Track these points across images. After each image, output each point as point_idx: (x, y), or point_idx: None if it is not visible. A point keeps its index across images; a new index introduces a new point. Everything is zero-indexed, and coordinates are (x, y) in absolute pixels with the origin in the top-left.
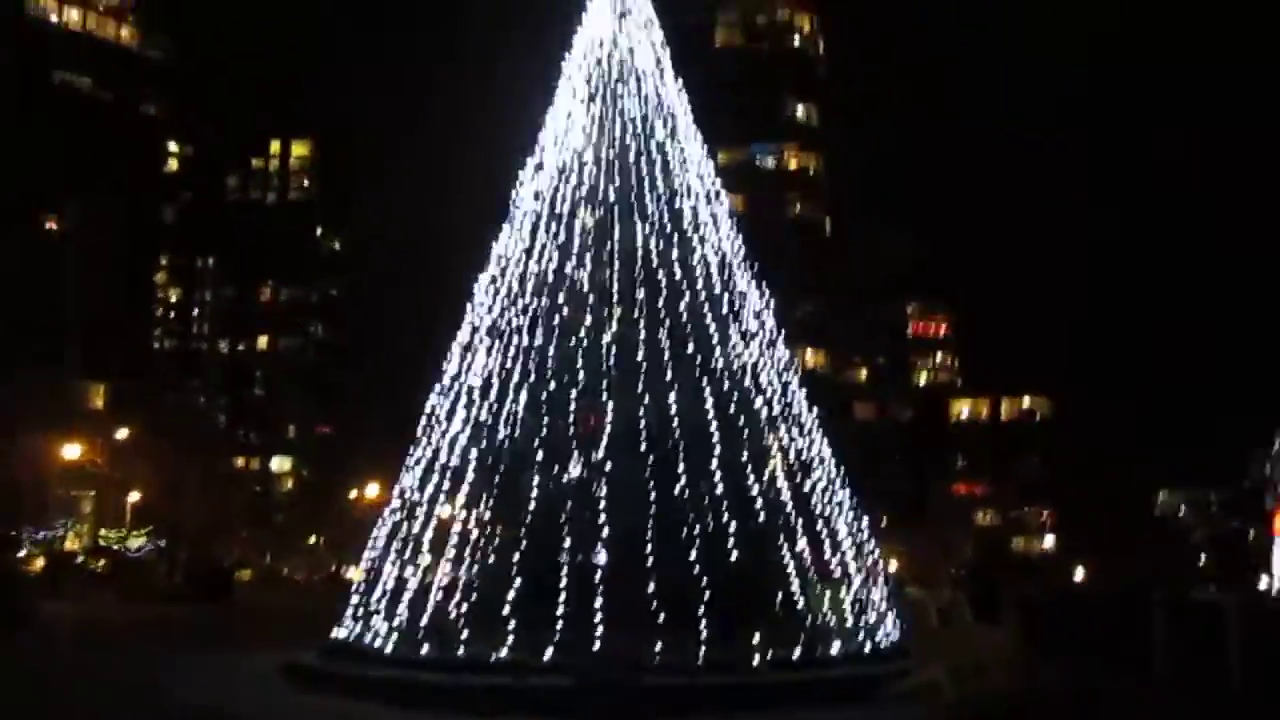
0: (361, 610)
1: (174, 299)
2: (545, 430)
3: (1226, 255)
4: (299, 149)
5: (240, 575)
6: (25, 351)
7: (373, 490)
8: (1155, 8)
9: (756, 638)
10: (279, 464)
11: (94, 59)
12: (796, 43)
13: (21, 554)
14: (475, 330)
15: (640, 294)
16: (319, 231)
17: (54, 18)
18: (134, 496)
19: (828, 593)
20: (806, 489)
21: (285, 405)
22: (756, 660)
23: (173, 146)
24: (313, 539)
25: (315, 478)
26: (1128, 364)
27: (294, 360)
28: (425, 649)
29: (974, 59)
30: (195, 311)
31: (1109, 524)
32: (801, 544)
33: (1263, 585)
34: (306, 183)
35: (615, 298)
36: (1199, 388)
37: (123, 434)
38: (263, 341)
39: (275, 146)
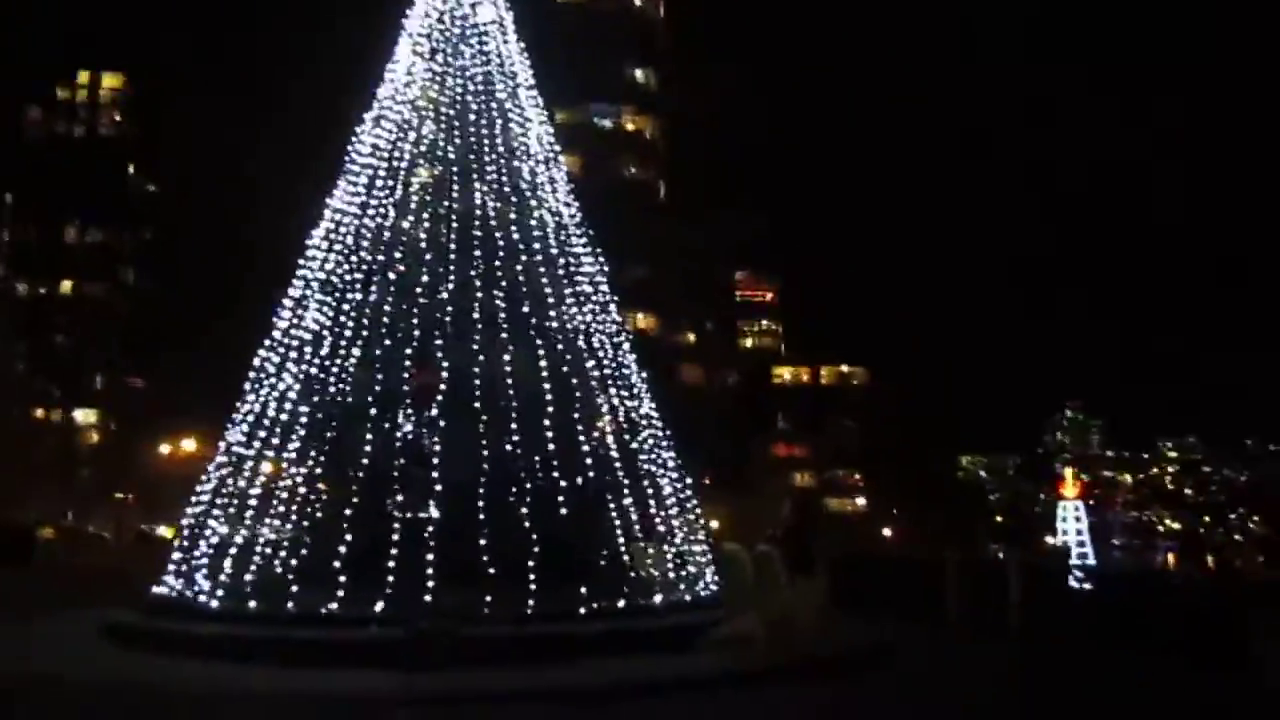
0: (185, 566)
1: None
2: (378, 386)
3: (1032, 230)
4: (110, 81)
5: (41, 534)
6: None
7: (188, 445)
8: None
9: (583, 590)
10: (83, 416)
11: None
12: (638, 3)
13: None
14: (308, 284)
15: (477, 253)
16: (131, 170)
17: None
18: None
19: (651, 548)
20: (634, 448)
21: (91, 354)
22: (582, 611)
23: None
24: (120, 496)
25: (123, 431)
26: (939, 336)
27: (102, 307)
28: (252, 604)
29: (814, 31)
30: None
31: (915, 486)
32: (628, 501)
33: (1051, 543)
34: (119, 118)
35: (451, 256)
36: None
37: None
38: (67, 285)
39: (84, 77)
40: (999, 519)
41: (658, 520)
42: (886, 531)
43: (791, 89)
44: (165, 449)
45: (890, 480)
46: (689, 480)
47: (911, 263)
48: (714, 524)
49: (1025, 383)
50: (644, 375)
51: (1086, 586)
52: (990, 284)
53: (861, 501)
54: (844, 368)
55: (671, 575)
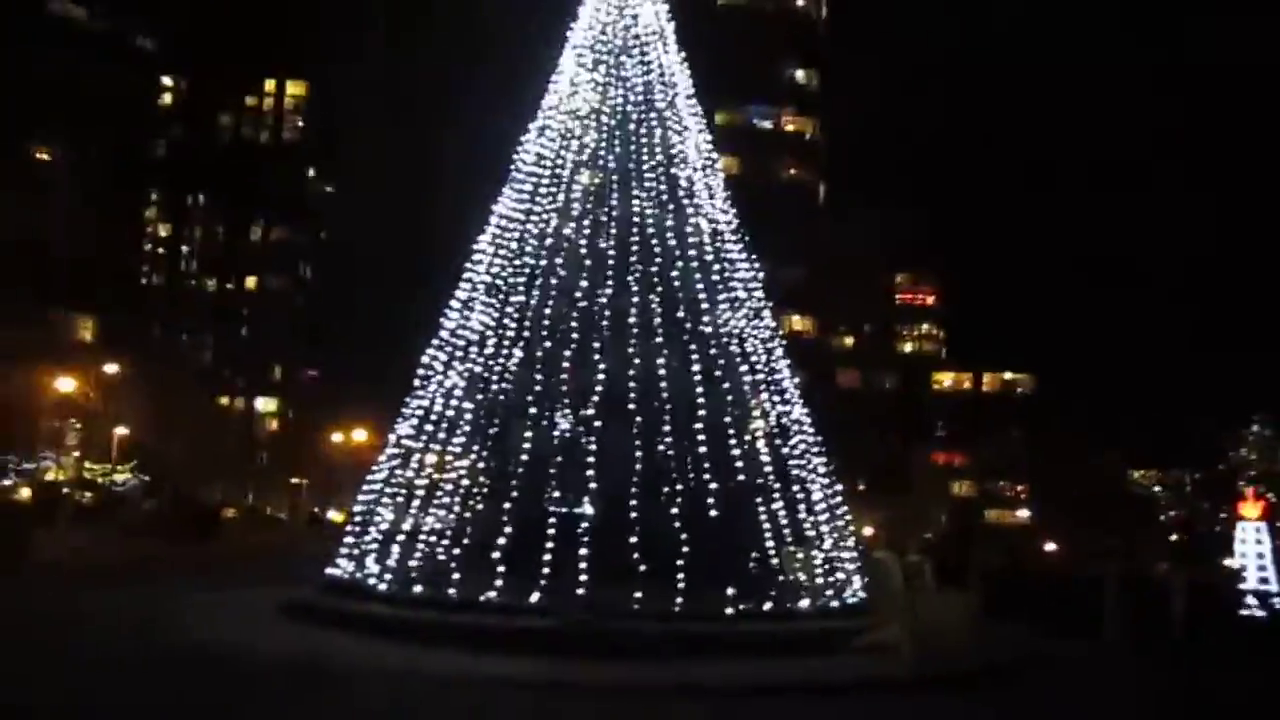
0: (356, 550)
1: (163, 235)
2: (538, 386)
3: (1213, 240)
4: (294, 89)
5: (225, 514)
6: (13, 282)
7: (359, 435)
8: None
9: (731, 592)
10: (263, 405)
11: None
12: (799, 4)
13: (7, 483)
14: (474, 286)
15: (635, 258)
16: (311, 173)
17: None
18: (121, 431)
19: (800, 553)
20: (785, 453)
21: (271, 346)
22: (729, 612)
23: (166, 81)
24: (295, 480)
25: (299, 420)
26: (1110, 344)
27: (281, 301)
28: (418, 588)
29: (979, 35)
30: (184, 249)
31: (1083, 500)
32: (778, 505)
33: (1229, 565)
34: (300, 123)
35: (610, 261)
36: (1179, 369)
37: (112, 369)
38: (251, 282)
39: (270, 85)
40: (1172, 537)
41: (807, 525)
42: (1050, 546)
43: (955, 86)
44: (337, 437)
45: (1055, 493)
46: (840, 486)
47: (1083, 265)
48: (868, 530)
49: (1208, 395)
50: (797, 380)
51: (1260, 613)
52: (1171, 288)
53: (1024, 514)
54: (1008, 374)
55: (819, 580)
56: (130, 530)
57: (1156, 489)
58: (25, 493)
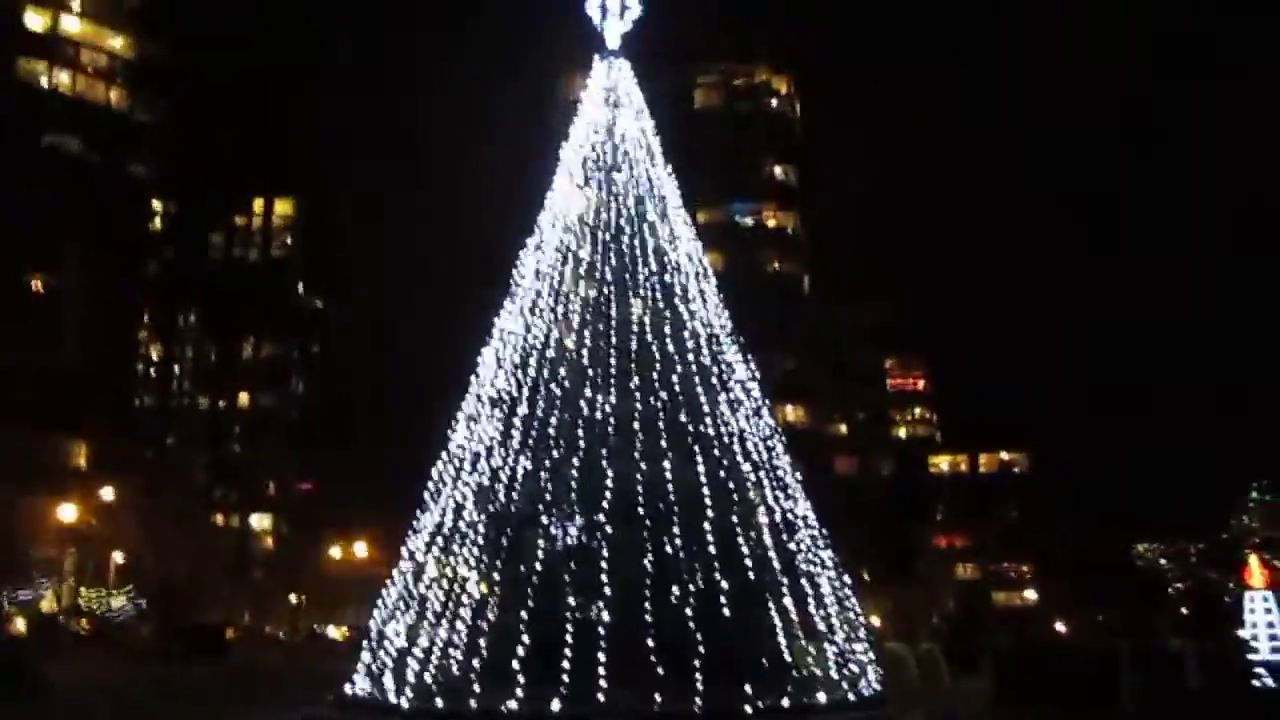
0: (373, 666)
1: (155, 356)
2: (547, 494)
3: (1201, 310)
4: (282, 207)
5: (228, 635)
6: (7, 410)
7: (360, 549)
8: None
9: (747, 689)
10: (258, 521)
11: (84, 121)
12: (775, 104)
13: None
14: (478, 399)
15: (634, 365)
16: (301, 288)
17: (44, 81)
18: (117, 557)
19: (812, 647)
20: (791, 547)
21: (265, 462)
22: (747, 709)
23: (157, 205)
24: (292, 597)
25: (295, 535)
26: (1104, 418)
27: (274, 417)
28: (438, 702)
29: (951, 123)
30: (176, 368)
31: (1089, 576)
32: (787, 600)
33: (1241, 635)
34: (289, 240)
35: (611, 369)
36: (1178, 437)
37: (107, 493)
38: (243, 398)
39: (259, 204)
40: (1183, 610)
41: (818, 619)
42: (1060, 626)
43: (929, 170)
44: (335, 551)
45: (1061, 571)
46: (847, 578)
47: (1071, 341)
48: (875, 620)
49: (1208, 463)
50: (798, 475)
51: (1272, 683)
52: (1161, 358)
53: (1031, 594)
54: (1004, 454)
55: (834, 674)
56: (130, 655)
57: (1162, 561)
58: (20, 624)
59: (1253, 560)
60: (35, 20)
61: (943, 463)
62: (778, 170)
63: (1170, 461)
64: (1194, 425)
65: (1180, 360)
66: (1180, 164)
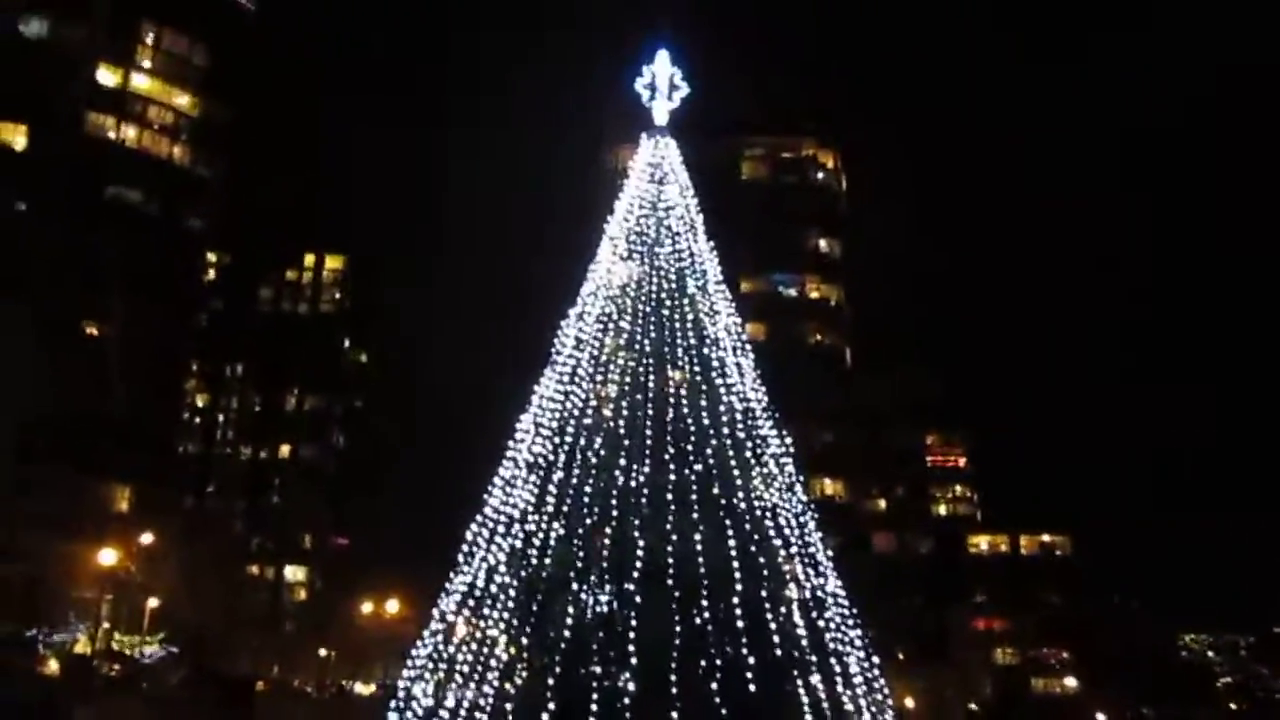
0: None
1: (201, 404)
2: (579, 561)
3: (1249, 389)
4: (332, 262)
5: (258, 687)
6: (57, 455)
7: (391, 606)
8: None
9: None
10: (292, 573)
11: (146, 174)
12: (820, 177)
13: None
14: (516, 464)
15: (670, 436)
16: (346, 343)
17: (111, 135)
18: (153, 602)
19: None
20: (821, 624)
21: (302, 514)
22: None
23: (211, 257)
24: (322, 651)
25: (327, 588)
26: (1149, 502)
27: (314, 469)
28: None
29: (992, 197)
30: (220, 417)
31: (1132, 665)
32: (815, 677)
33: None
34: (338, 295)
35: (647, 439)
36: (1229, 524)
37: (146, 538)
38: (284, 450)
39: (310, 259)
40: (1231, 705)
41: (845, 697)
42: (1101, 717)
43: (978, 245)
44: (367, 607)
45: (1104, 660)
46: (876, 658)
47: (1119, 422)
48: (908, 700)
49: (1261, 552)
50: (830, 551)
51: None
52: (1210, 441)
53: (1071, 682)
54: (1046, 536)
55: None
56: (158, 703)
57: (1210, 653)
58: (54, 665)
59: None
60: (107, 76)
61: (982, 542)
62: (822, 243)
63: (1222, 550)
64: (1248, 513)
65: (1235, 445)
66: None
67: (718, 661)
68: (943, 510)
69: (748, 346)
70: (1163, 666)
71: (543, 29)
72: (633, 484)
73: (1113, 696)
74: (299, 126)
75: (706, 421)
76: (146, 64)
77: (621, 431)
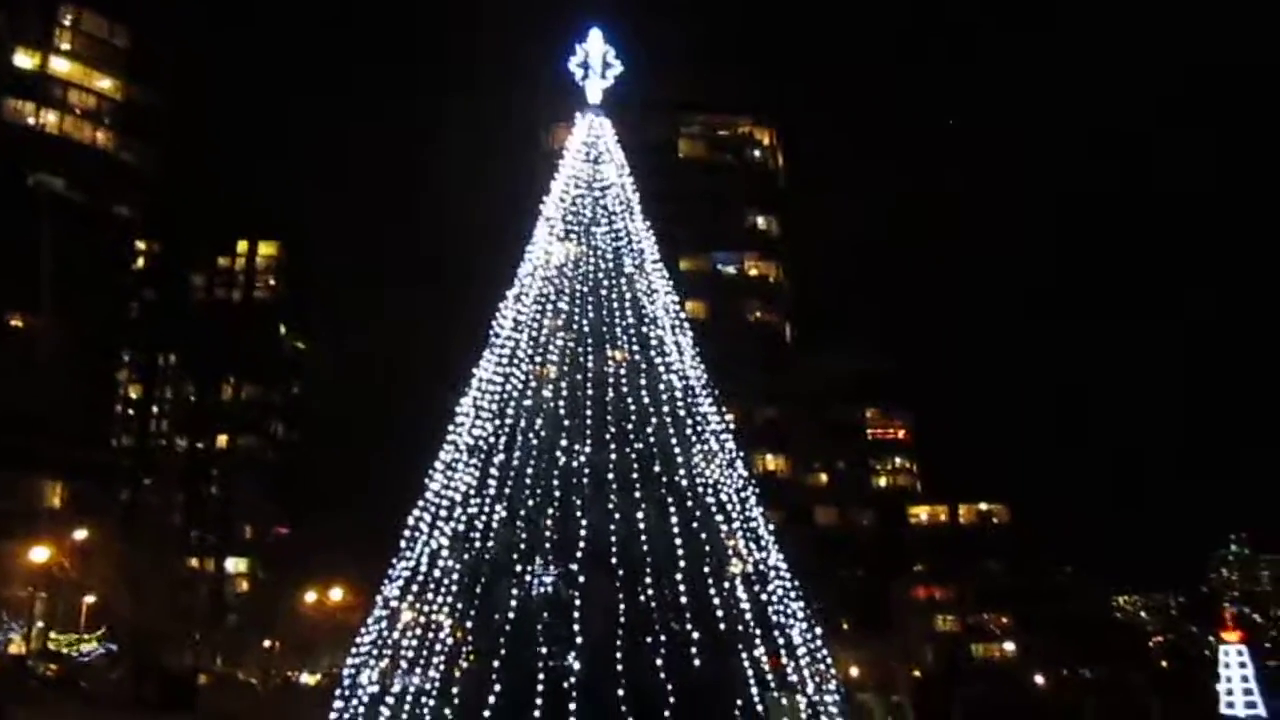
0: (347, 713)
1: (134, 396)
2: (521, 543)
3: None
4: (266, 249)
5: (199, 681)
6: None
7: (335, 594)
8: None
9: None
10: (234, 565)
11: (69, 161)
12: (757, 155)
13: None
14: (456, 448)
15: (610, 416)
16: (282, 330)
17: (31, 121)
18: (89, 599)
19: (784, 698)
20: (764, 599)
21: (242, 505)
22: None
23: (140, 245)
24: (265, 642)
25: (270, 579)
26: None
27: (253, 459)
28: None
29: (937, 175)
30: (154, 409)
31: (1068, 629)
32: (759, 651)
33: (1220, 690)
34: (272, 282)
35: (587, 419)
36: (1159, 489)
37: (81, 534)
38: (222, 440)
39: (243, 246)
40: (1163, 664)
41: (789, 669)
42: (1039, 679)
43: (911, 221)
44: (311, 596)
45: (1041, 624)
46: (820, 629)
47: (1053, 393)
48: (854, 669)
49: (1188, 515)
50: (772, 526)
51: None
52: (1144, 408)
53: (1010, 647)
54: (983, 505)
55: None
56: (100, 701)
57: (1143, 614)
58: None
59: (1227, 615)
60: (24, 60)
61: (922, 513)
62: (760, 220)
63: (1151, 514)
64: (1175, 478)
65: (1162, 414)
66: (1161, 215)
67: (663, 638)
68: (883, 482)
69: (687, 325)
70: (1097, 629)
71: (480, 5)
72: (574, 465)
73: (1050, 659)
74: (228, 109)
75: (647, 400)
76: (65, 46)
77: (562, 412)
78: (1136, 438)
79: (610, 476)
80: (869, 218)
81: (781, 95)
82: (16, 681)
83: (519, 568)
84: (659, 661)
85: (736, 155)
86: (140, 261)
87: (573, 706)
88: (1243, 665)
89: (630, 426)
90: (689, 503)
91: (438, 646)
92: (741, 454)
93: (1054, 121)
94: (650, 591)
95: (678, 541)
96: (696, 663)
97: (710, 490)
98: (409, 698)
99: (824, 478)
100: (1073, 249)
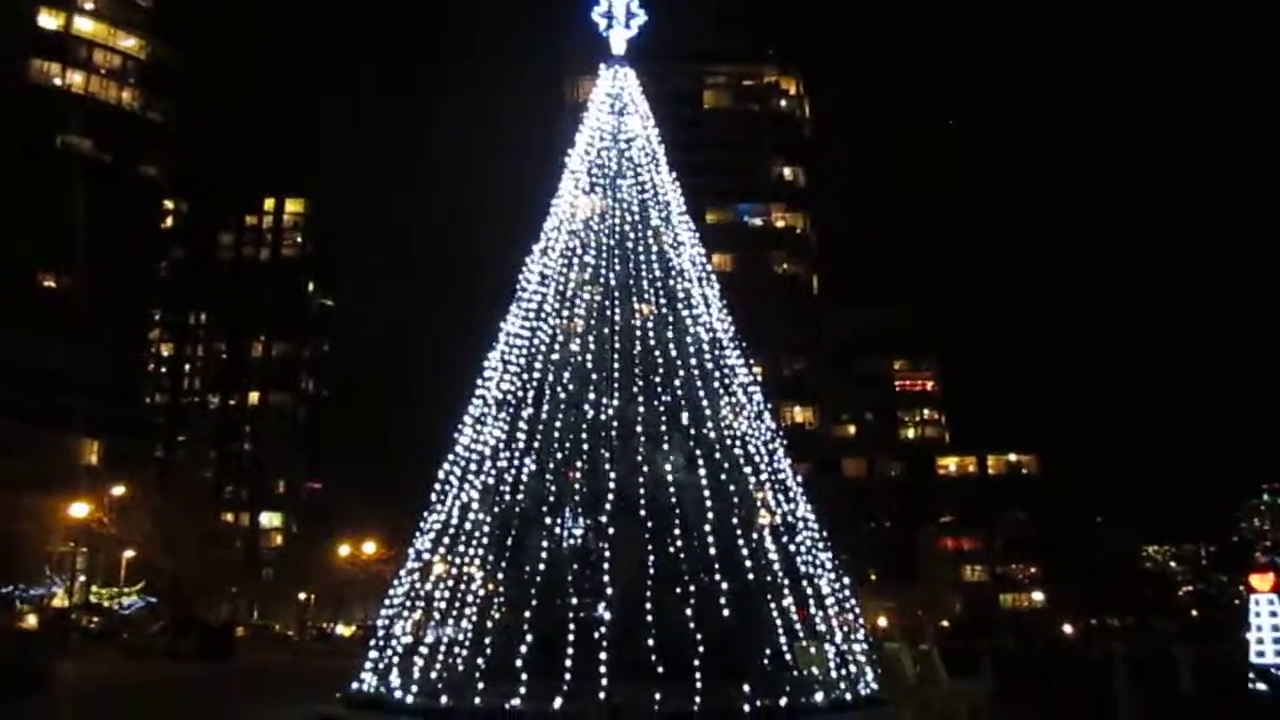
0: (380, 664)
1: (166, 354)
2: (551, 495)
3: (1214, 312)
4: (293, 206)
5: (237, 633)
6: (22, 412)
7: (368, 548)
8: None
9: (746, 688)
10: (268, 519)
11: (96, 122)
12: (783, 104)
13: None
14: (485, 402)
15: (638, 369)
16: (310, 288)
17: (57, 81)
18: (128, 554)
19: (812, 647)
20: (792, 550)
21: (274, 460)
22: (746, 708)
23: (169, 204)
24: (301, 596)
25: (304, 533)
26: (1114, 419)
27: (284, 415)
28: (443, 699)
29: (963, 120)
30: (187, 367)
31: (1097, 578)
32: (787, 601)
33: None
34: (299, 239)
35: (615, 372)
36: (1191, 439)
37: (119, 491)
38: (253, 397)
39: (270, 204)
40: (1193, 613)
41: (817, 619)
42: (1067, 628)
43: (941, 170)
44: (344, 549)
45: (1069, 574)
46: (848, 579)
47: (1082, 343)
48: (882, 620)
49: (1219, 465)
50: (799, 478)
51: (1261, 687)
52: (1176, 358)
53: (1039, 596)
54: (1012, 456)
55: (833, 674)
56: (139, 653)
57: (1172, 564)
58: (32, 620)
59: (1260, 562)
60: (49, 20)
61: (951, 464)
62: (786, 171)
63: (1182, 463)
64: (1206, 427)
65: (1193, 362)
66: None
67: (692, 589)
68: (911, 434)
69: (713, 277)
70: (1126, 578)
71: None
72: (602, 418)
73: (1078, 609)
74: (252, 67)
75: (674, 353)
76: (89, 6)
77: (589, 366)
78: (1167, 386)
79: (639, 429)
80: (896, 164)
81: (807, 42)
82: (60, 634)
83: (548, 520)
84: (688, 612)
85: (762, 104)
86: (169, 221)
87: (603, 656)
88: (1274, 614)
89: (658, 379)
90: (717, 454)
91: (469, 598)
92: (769, 406)
93: (1081, 56)
94: (679, 543)
95: (706, 493)
96: (725, 613)
97: (738, 442)
98: (442, 648)
99: (852, 429)
100: (1103, 186)
